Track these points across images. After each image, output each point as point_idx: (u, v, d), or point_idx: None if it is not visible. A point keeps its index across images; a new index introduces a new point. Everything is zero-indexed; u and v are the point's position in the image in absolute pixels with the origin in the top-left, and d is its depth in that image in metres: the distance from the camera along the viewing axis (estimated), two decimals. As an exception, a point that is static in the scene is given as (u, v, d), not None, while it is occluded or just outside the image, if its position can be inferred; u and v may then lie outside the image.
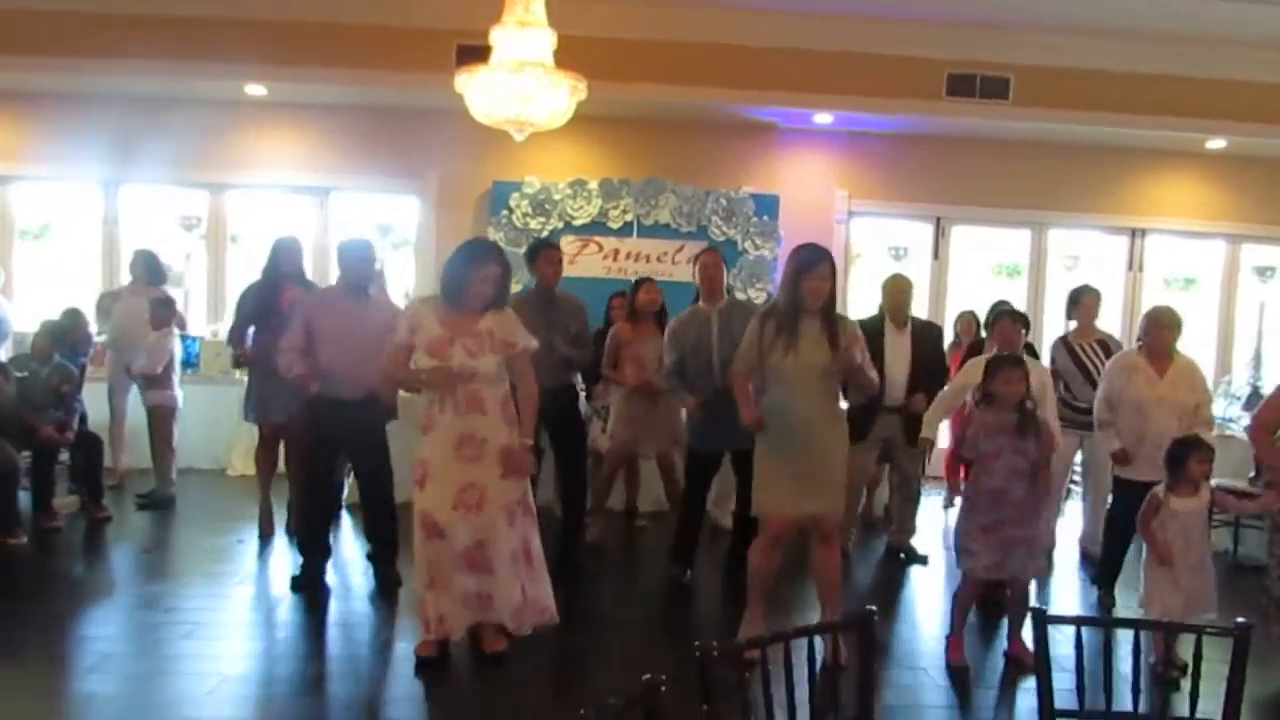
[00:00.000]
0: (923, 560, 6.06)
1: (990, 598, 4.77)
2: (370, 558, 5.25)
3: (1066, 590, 5.86)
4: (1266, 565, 4.49)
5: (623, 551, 6.17)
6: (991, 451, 4.25)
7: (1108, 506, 5.70)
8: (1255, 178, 8.75)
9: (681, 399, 5.53)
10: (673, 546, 5.54)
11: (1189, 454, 4.23)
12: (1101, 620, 2.30)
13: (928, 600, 5.44)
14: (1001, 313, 5.71)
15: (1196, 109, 7.92)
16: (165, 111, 8.24)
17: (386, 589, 5.06)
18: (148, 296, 6.96)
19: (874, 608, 2.21)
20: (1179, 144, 8.47)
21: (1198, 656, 2.25)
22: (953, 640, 4.44)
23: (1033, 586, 5.35)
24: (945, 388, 5.70)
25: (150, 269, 7.22)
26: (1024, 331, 5.59)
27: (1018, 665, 4.34)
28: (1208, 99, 7.87)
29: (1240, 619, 2.23)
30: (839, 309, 4.39)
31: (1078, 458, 6.45)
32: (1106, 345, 6.12)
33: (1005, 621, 4.57)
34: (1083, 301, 6.21)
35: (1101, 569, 5.52)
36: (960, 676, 4.28)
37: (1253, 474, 6.27)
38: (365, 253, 5.12)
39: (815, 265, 4.12)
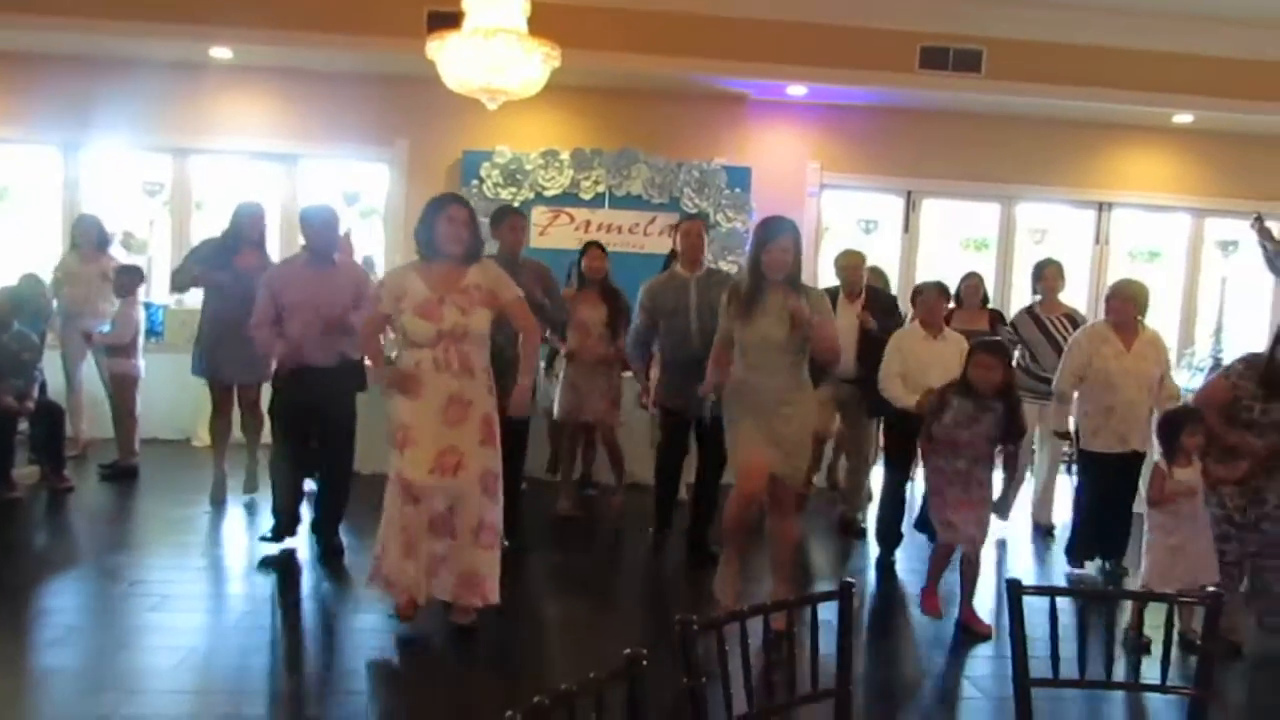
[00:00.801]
0: (859, 534, 6.07)
1: None
2: (314, 527, 5.22)
3: (1023, 558, 5.97)
4: None
5: (587, 521, 6.15)
6: (962, 440, 4.33)
7: (1061, 476, 5.76)
8: (1220, 152, 8.81)
9: (636, 367, 5.57)
10: (654, 509, 5.59)
11: (1182, 426, 4.31)
12: (1075, 591, 2.33)
13: (892, 569, 5.46)
14: (925, 285, 5.67)
15: (1165, 83, 7.94)
16: (128, 73, 8.04)
17: (329, 556, 5.07)
18: (99, 263, 6.87)
19: (852, 580, 2.23)
20: (1147, 118, 8.52)
21: (1169, 624, 2.28)
22: (927, 590, 4.57)
23: (993, 555, 5.48)
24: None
25: (100, 235, 7.10)
26: (947, 302, 5.61)
27: (972, 634, 4.41)
28: (1176, 73, 7.91)
29: (1210, 588, 2.27)
30: (811, 282, 4.40)
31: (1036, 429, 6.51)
32: (1074, 319, 6.20)
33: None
34: (1045, 274, 6.29)
35: (1072, 540, 5.59)
36: (930, 637, 4.38)
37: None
38: (329, 219, 5.09)
39: (777, 237, 4.13)
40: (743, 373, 4.21)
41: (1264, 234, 6.31)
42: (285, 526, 5.11)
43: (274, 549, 5.08)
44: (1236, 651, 4.33)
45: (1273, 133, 8.58)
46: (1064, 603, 2.30)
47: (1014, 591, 2.23)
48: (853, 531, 6.09)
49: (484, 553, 4.00)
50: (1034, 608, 2.25)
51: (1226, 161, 8.84)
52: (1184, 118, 8.47)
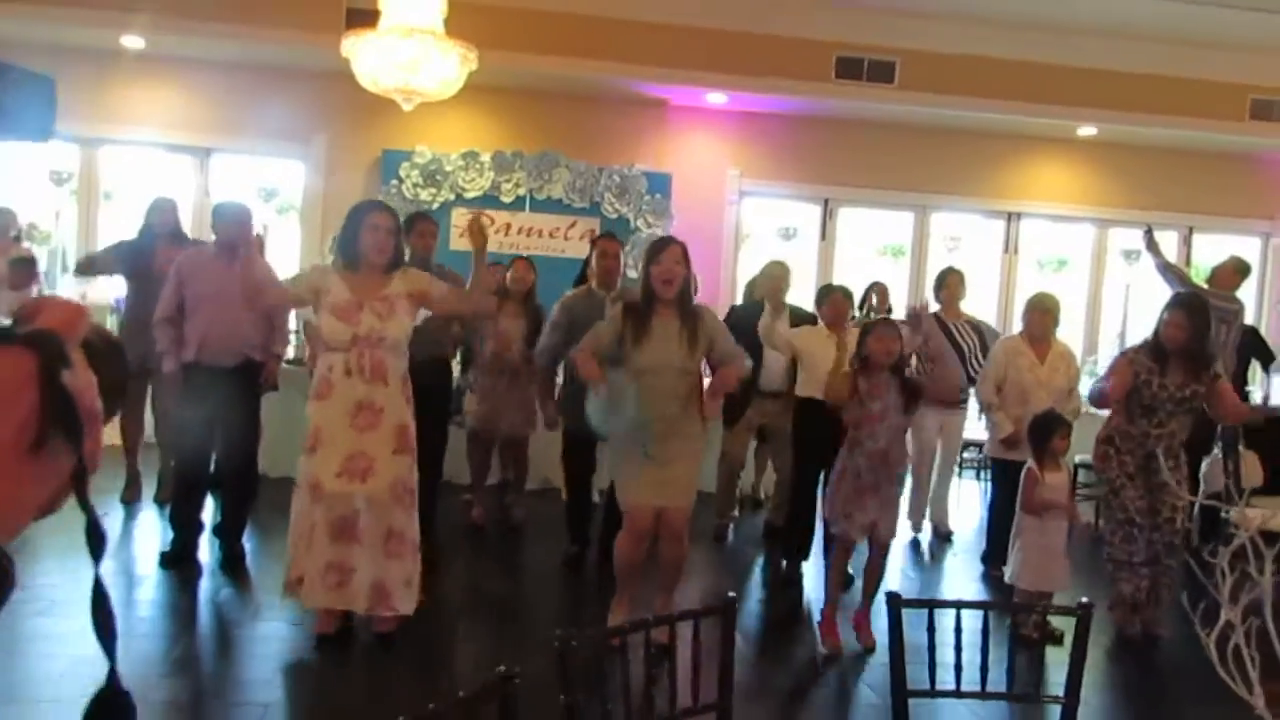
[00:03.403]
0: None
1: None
2: (216, 531, 5.13)
3: (928, 564, 6.13)
4: (1103, 533, 4.85)
5: (500, 530, 6.10)
6: (875, 413, 4.34)
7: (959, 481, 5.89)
8: (1121, 164, 9.15)
9: (545, 385, 5.48)
10: (567, 525, 5.53)
11: (1053, 430, 4.50)
12: (952, 603, 2.39)
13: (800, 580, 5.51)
14: (830, 287, 5.77)
15: (1069, 97, 8.24)
16: (33, 59, 7.71)
17: (230, 562, 4.98)
18: (5, 255, 6.66)
19: (734, 594, 2.27)
20: (1052, 130, 8.80)
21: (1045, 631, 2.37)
22: (826, 610, 4.48)
23: (897, 562, 5.58)
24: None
25: (16, 228, 6.87)
26: (850, 305, 5.65)
27: (861, 641, 4.42)
28: (1079, 87, 8.19)
29: (1084, 599, 2.37)
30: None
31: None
32: (978, 328, 6.41)
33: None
34: (948, 283, 6.47)
35: (989, 547, 5.77)
36: (827, 657, 4.35)
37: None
38: (241, 215, 4.99)
39: (663, 249, 4.03)
40: (630, 395, 4.03)
41: (1153, 246, 6.57)
42: (185, 543, 4.98)
43: (174, 542, 4.98)
44: (1154, 641, 4.60)
45: (1170, 145, 8.93)
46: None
47: (893, 605, 2.31)
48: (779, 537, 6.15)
49: (392, 562, 3.95)
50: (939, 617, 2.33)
51: (1127, 173, 9.18)
52: (1087, 130, 8.76)
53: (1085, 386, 7.93)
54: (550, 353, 5.22)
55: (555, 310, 5.26)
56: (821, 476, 5.59)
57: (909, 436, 4.95)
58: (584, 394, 5.00)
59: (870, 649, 4.39)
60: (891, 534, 4.47)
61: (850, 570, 4.86)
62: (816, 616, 4.63)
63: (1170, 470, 4.50)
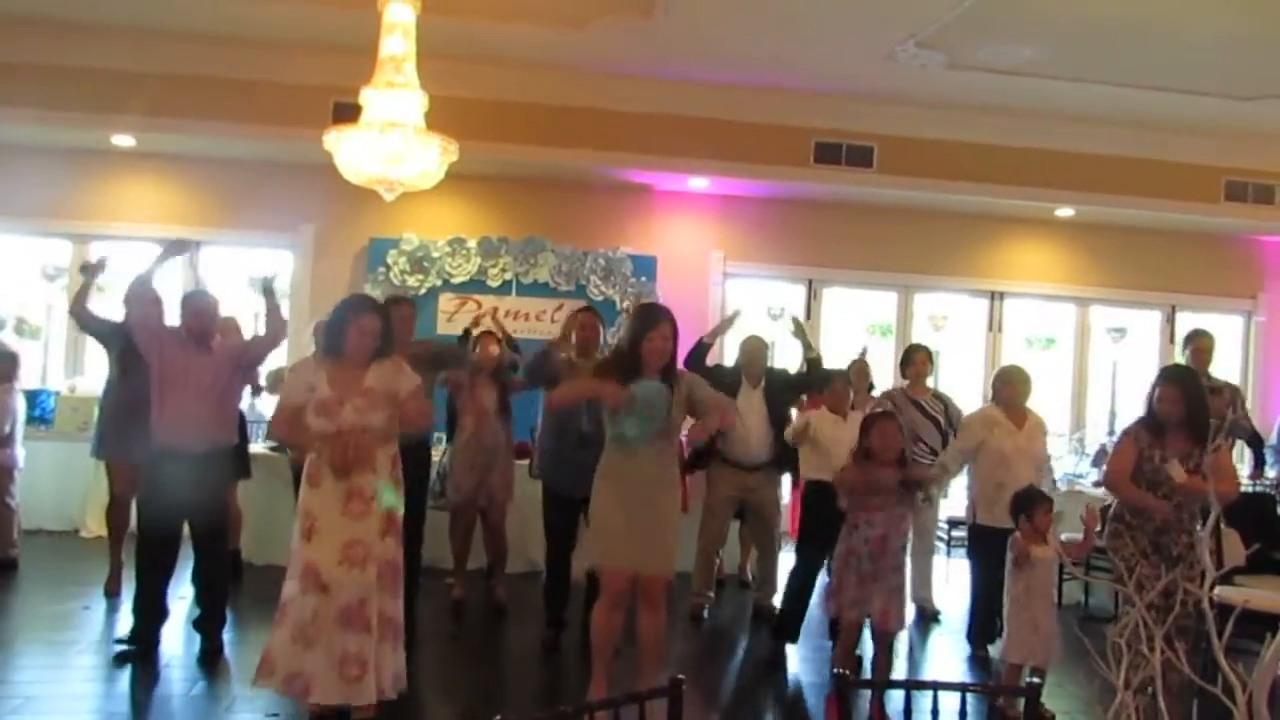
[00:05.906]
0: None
1: None
2: (196, 625, 5.05)
3: (915, 645, 6.02)
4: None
5: (483, 611, 6.02)
6: (875, 504, 4.41)
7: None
8: (1102, 244, 9.28)
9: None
10: (545, 605, 5.45)
11: (1036, 508, 4.50)
12: (901, 683, 2.36)
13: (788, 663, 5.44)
14: (835, 373, 5.91)
15: (1046, 179, 8.40)
16: (25, 158, 7.98)
17: (209, 656, 4.90)
18: None
19: (683, 676, 2.25)
20: (1031, 212, 8.95)
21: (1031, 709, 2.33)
22: (832, 696, 4.37)
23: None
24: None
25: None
26: (851, 390, 5.81)
27: None
28: (1056, 170, 8.36)
29: (1035, 679, 2.35)
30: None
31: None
32: (945, 401, 6.45)
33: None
34: (915, 360, 6.51)
35: (972, 623, 5.68)
36: None
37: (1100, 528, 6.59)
38: (206, 304, 5.06)
39: (654, 326, 4.14)
40: (614, 458, 4.20)
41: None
42: (146, 628, 4.91)
43: (135, 630, 4.89)
44: None
45: (1149, 226, 9.07)
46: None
47: (842, 685, 2.29)
48: (769, 618, 6.02)
49: (384, 646, 3.94)
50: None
51: (1108, 253, 9.31)
52: (1065, 211, 8.90)
53: (1071, 464, 8.02)
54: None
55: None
56: (825, 562, 5.58)
57: None
58: (566, 455, 5.07)
59: None
60: (898, 625, 4.46)
61: (858, 653, 4.82)
62: (810, 700, 4.57)
63: (1186, 546, 4.38)
